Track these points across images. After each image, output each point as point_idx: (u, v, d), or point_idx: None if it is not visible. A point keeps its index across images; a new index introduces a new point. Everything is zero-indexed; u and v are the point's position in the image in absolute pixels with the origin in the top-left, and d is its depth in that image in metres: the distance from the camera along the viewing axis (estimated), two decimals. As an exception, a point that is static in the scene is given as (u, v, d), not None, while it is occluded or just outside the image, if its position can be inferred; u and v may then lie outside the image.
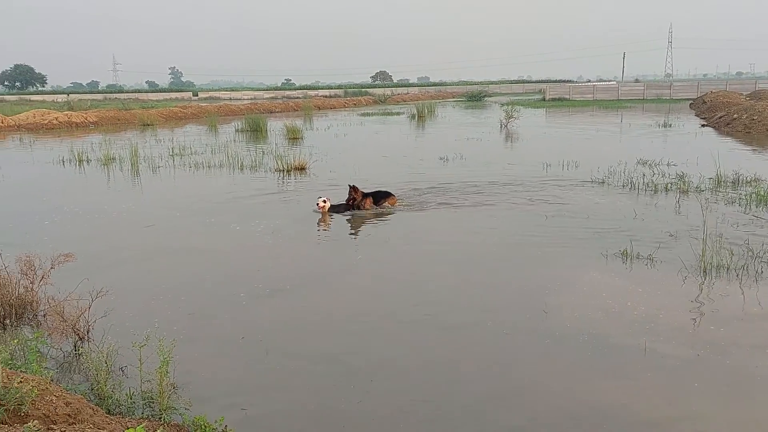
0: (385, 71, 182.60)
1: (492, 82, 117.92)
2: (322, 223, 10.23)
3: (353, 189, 11.15)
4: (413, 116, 38.90)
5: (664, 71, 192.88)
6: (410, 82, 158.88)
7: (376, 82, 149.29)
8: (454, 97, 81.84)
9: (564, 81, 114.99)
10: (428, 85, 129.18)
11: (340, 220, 10.44)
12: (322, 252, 8.84)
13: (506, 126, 28.49)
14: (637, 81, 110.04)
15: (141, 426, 2.72)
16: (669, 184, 12.42)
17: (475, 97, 70.24)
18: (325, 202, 10.64)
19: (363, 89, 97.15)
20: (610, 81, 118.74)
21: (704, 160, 15.04)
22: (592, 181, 13.23)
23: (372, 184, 13.22)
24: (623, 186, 12.65)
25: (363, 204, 11.08)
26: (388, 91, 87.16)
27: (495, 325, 5.92)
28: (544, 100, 58.31)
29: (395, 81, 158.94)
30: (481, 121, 36.08)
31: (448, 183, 13.54)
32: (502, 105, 40.50)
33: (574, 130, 28.12)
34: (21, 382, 3.33)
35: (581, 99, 56.68)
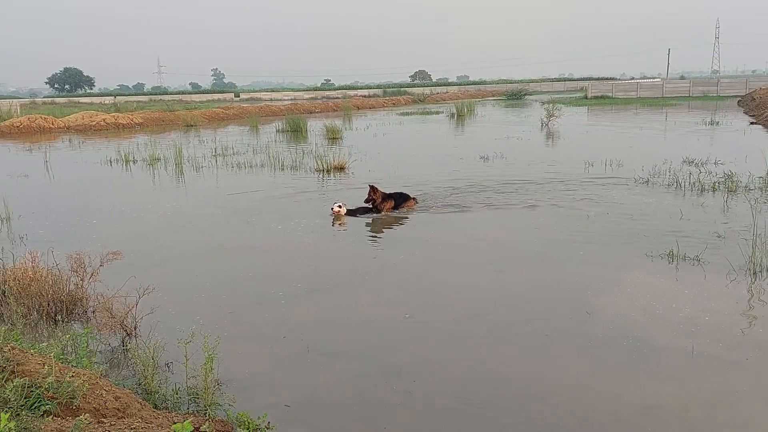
0: (424, 70, 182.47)
1: (532, 80, 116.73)
2: (362, 224, 10.26)
3: (372, 190, 10.83)
4: (452, 115, 38.73)
5: (710, 67, 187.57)
6: (449, 81, 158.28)
7: (415, 82, 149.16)
8: (493, 96, 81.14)
9: (606, 78, 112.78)
10: (468, 84, 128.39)
11: (379, 220, 10.45)
12: (362, 251, 8.87)
13: (547, 124, 28.12)
14: (682, 78, 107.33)
15: (188, 421, 2.79)
16: (716, 184, 12.09)
17: (515, 96, 69.48)
18: (340, 207, 10.47)
19: (402, 89, 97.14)
20: (654, 78, 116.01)
21: (753, 158, 14.58)
22: (636, 181, 12.97)
23: (412, 183, 13.24)
24: (669, 185, 12.36)
25: (383, 206, 10.78)
26: (426, 91, 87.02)
27: (537, 325, 5.86)
28: (586, 97, 57.35)
29: (434, 80, 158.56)
30: (521, 119, 35.71)
31: (489, 182, 13.45)
32: (543, 103, 40.00)
33: (617, 128, 27.59)
34: (73, 376, 3.44)
35: (624, 97, 55.55)
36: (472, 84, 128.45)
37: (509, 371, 5.01)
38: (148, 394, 4.38)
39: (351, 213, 10.60)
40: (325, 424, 4.31)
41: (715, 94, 54.26)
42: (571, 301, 6.46)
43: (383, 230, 9.87)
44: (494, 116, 39.75)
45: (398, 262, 8.12)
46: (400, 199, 11.02)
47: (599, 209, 10.53)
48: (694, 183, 12.28)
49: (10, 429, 2.68)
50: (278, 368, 5.14)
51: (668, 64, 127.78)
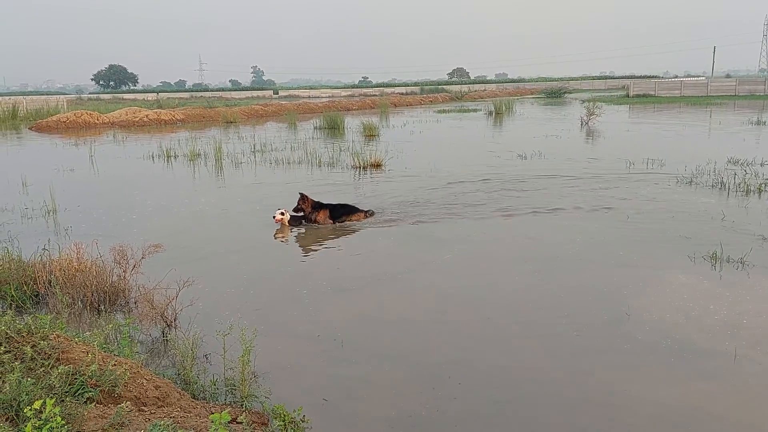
0: (462, 68, 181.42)
1: (573, 78, 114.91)
2: (385, 223, 10.23)
3: (302, 198, 10.05)
4: (490, 113, 38.46)
5: (758, 66, 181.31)
6: (487, 78, 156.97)
7: (453, 79, 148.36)
8: (532, 94, 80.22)
9: (649, 77, 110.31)
10: (506, 82, 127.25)
11: (404, 220, 10.41)
12: (398, 249, 8.84)
13: (587, 123, 27.66)
14: (728, 76, 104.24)
15: (225, 412, 2.84)
16: (763, 185, 11.73)
17: (554, 94, 68.50)
18: (283, 214, 9.85)
19: (439, 86, 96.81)
20: (698, 77, 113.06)
21: (804, 159, 14.11)
22: (678, 181, 12.68)
23: (449, 181, 13.20)
24: (712, 186, 12.05)
25: (315, 217, 10.00)
26: (464, 88, 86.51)
27: (575, 326, 5.77)
28: (627, 96, 56.25)
29: (472, 78, 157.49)
30: (560, 117, 35.21)
31: (527, 181, 13.32)
32: (583, 101, 39.44)
33: (660, 127, 27.00)
34: (115, 365, 3.53)
35: (667, 95, 54.29)
36: (510, 82, 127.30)
37: (547, 373, 4.95)
38: (186, 384, 4.47)
39: (295, 220, 10.00)
40: (359, 420, 4.33)
41: (762, 93, 52.59)
42: (610, 302, 6.36)
43: (419, 229, 9.82)
44: (533, 114, 39.28)
45: (433, 260, 8.08)
46: (342, 211, 10.16)
47: (640, 208, 10.33)
48: (739, 184, 11.94)
49: (55, 414, 2.77)
50: (313, 364, 5.18)
51: (713, 62, 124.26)
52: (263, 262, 8.26)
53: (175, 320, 5.80)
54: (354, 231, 9.59)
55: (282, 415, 3.92)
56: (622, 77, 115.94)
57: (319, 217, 10.00)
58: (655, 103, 46.41)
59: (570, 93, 73.26)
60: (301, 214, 10.05)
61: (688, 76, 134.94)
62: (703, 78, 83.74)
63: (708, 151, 16.89)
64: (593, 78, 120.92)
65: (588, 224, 9.59)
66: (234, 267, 8.00)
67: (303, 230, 9.80)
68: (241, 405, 4.15)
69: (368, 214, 10.35)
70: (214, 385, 4.46)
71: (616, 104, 46.24)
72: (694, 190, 11.87)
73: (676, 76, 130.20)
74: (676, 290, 6.62)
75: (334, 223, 10.01)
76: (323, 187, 13.41)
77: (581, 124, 27.80)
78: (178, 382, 4.50)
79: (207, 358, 5.10)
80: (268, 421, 3.94)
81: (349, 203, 10.56)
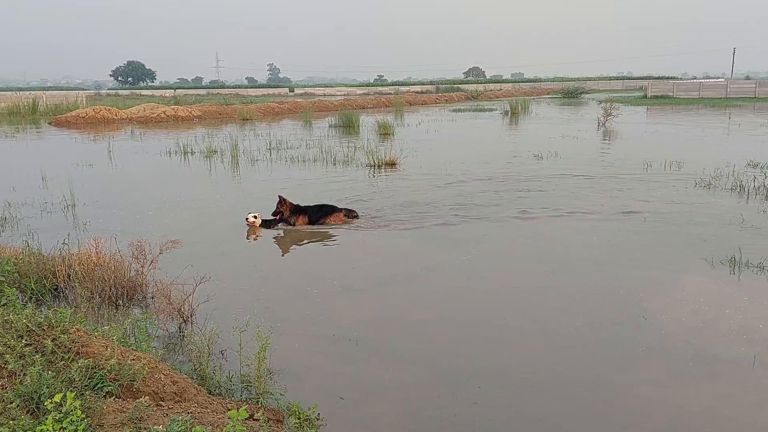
0: (477, 67, 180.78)
1: (589, 78, 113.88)
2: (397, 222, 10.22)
3: (281, 201, 9.90)
4: (506, 113, 38.32)
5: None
6: (503, 78, 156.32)
7: (468, 78, 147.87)
8: (549, 94, 79.77)
9: (667, 78, 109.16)
10: (522, 81, 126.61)
11: (420, 220, 10.40)
12: (415, 250, 8.83)
13: (604, 124, 27.47)
14: (747, 78, 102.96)
15: (243, 408, 2.86)
16: (783, 189, 11.59)
17: (571, 94, 68.03)
18: (255, 218, 9.73)
19: (455, 85, 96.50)
20: (717, 78, 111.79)
21: (825, 163, 13.92)
22: (696, 183, 12.56)
23: (464, 180, 13.17)
24: (731, 189, 11.92)
25: (294, 220, 9.85)
26: (480, 87, 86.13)
27: (591, 330, 5.73)
28: (645, 97, 55.74)
29: (488, 77, 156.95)
30: (577, 118, 35.00)
31: (543, 181, 13.26)
32: (600, 102, 39.14)
33: (678, 128, 26.75)
34: (134, 359, 3.57)
35: (686, 96, 53.72)
36: (526, 81, 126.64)
37: (566, 376, 4.91)
38: (202, 379, 4.50)
39: (266, 224, 9.85)
40: (374, 421, 4.34)
41: (782, 95, 51.92)
42: (627, 305, 6.31)
43: (436, 229, 9.81)
44: (549, 114, 39.07)
45: (450, 261, 8.06)
46: (320, 213, 9.97)
47: (657, 211, 10.25)
48: (758, 187, 11.80)
49: (75, 408, 2.80)
50: (327, 363, 5.19)
51: (733, 63, 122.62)
52: (279, 261, 8.30)
53: (191, 316, 5.84)
54: (370, 230, 9.59)
55: (297, 413, 3.94)
56: (640, 78, 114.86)
57: (298, 221, 9.85)
58: (673, 105, 45.98)
59: (587, 93, 72.75)
60: (279, 216, 9.88)
61: (707, 77, 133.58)
62: (722, 79, 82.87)
63: (727, 154, 16.71)
64: (610, 78, 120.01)
65: (605, 226, 9.52)
66: (250, 264, 8.04)
67: (325, 229, 9.79)
68: (257, 402, 4.17)
69: (350, 214, 10.14)
70: (230, 381, 4.49)
71: (634, 105, 45.88)
72: (712, 192, 11.76)
73: (695, 78, 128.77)
74: (694, 294, 6.57)
75: (313, 224, 9.85)
76: (337, 185, 13.45)
77: (598, 125, 27.61)
78: (194, 377, 4.53)
79: (223, 354, 5.13)
80: (284, 418, 3.97)
81: (329, 203, 10.32)
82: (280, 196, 9.97)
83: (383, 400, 4.57)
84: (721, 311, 6.07)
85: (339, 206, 10.28)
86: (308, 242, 9.10)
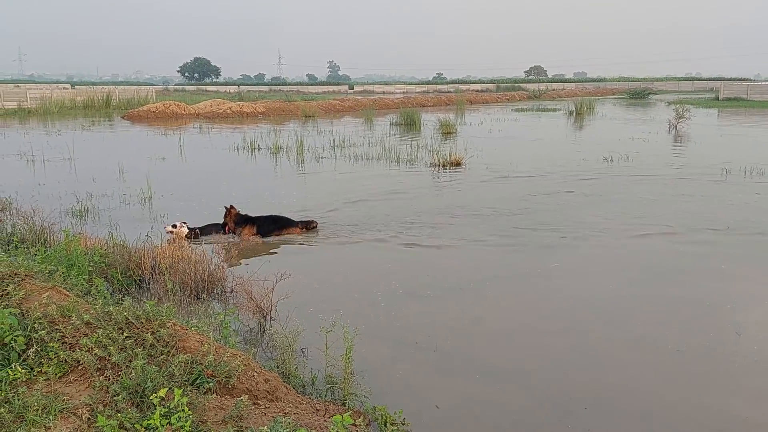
0: (539, 66, 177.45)
1: (657, 79, 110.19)
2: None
3: (227, 212, 9.24)
4: (571, 113, 37.46)
5: None
6: (566, 77, 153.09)
7: (530, 77, 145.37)
8: (614, 94, 77.53)
9: (740, 79, 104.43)
10: (585, 81, 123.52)
11: (496, 223, 10.21)
12: (489, 255, 8.69)
13: (675, 126, 26.49)
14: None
15: (347, 414, 2.85)
16: None
17: (637, 95, 65.98)
18: (174, 227, 8.81)
19: (516, 84, 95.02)
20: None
21: None
22: (782, 191, 11.95)
23: (533, 182, 12.91)
24: (821, 198, 11.29)
25: (240, 232, 9.10)
26: (542, 87, 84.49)
27: (678, 346, 5.45)
28: (716, 99, 53.46)
29: (550, 76, 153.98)
30: (646, 119, 33.86)
31: (616, 186, 12.87)
32: (669, 103, 37.86)
33: (756, 132, 25.56)
34: (230, 356, 3.61)
35: (761, 99, 51.23)
36: (590, 81, 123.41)
37: (667, 396, 4.67)
38: (285, 377, 4.52)
39: (205, 231, 9.11)
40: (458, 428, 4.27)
41: None
42: (715, 318, 6.03)
43: (498, 238, 9.63)
44: (616, 115, 37.96)
45: (527, 269, 7.81)
46: (273, 226, 9.27)
47: (739, 218, 9.79)
48: None
49: (182, 404, 2.85)
50: (409, 370, 5.13)
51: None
52: (353, 260, 8.31)
53: (271, 312, 5.89)
54: (444, 236, 9.50)
55: (383, 416, 3.91)
56: (710, 79, 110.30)
57: (244, 233, 9.10)
58: (747, 107, 43.97)
59: (654, 94, 70.50)
60: (227, 228, 9.24)
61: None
62: (801, 81, 78.70)
63: (813, 160, 15.83)
64: (678, 79, 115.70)
65: (685, 234, 9.13)
66: (317, 263, 8.08)
67: (381, 227, 9.74)
68: (343, 403, 4.16)
69: (308, 226, 9.41)
70: (314, 381, 4.50)
71: (705, 107, 44.09)
72: (800, 201, 11.15)
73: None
74: (789, 310, 6.22)
75: (262, 237, 9.12)
76: (400, 185, 13.40)
77: (669, 127, 26.65)
78: (278, 375, 4.57)
79: (304, 352, 5.15)
80: (371, 421, 3.94)
81: (284, 215, 9.63)
82: (226, 206, 9.30)
83: (474, 415, 4.42)
84: (820, 329, 5.72)
85: (295, 219, 9.54)
86: (378, 242, 9.04)
